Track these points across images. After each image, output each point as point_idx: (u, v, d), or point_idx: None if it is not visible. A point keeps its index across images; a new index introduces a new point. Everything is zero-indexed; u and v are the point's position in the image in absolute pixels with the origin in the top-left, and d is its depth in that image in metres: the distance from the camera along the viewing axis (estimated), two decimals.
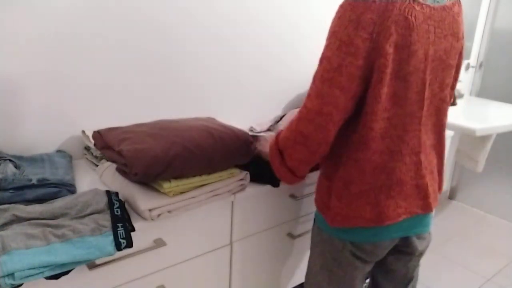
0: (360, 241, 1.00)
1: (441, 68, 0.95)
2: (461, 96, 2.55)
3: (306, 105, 0.91)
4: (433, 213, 1.10)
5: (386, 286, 1.18)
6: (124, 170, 0.99)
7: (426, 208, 1.01)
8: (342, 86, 0.86)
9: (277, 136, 1.04)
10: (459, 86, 2.54)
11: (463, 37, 0.99)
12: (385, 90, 0.87)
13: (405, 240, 1.06)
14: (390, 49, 0.84)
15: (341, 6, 0.87)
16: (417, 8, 0.85)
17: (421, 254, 1.12)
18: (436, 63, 0.93)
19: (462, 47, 1.00)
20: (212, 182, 1.06)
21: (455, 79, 1.06)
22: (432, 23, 0.89)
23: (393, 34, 0.83)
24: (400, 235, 1.02)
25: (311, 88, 0.91)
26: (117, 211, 0.90)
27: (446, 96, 0.99)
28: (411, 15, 0.84)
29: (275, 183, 1.19)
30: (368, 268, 1.08)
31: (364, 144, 0.92)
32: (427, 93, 0.93)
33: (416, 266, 1.15)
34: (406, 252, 1.09)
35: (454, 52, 0.96)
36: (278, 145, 1.02)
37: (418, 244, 1.08)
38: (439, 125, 1.02)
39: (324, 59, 0.88)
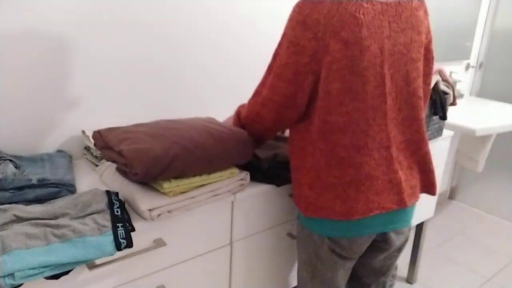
0: (336, 236, 1.02)
1: (403, 62, 0.95)
2: (461, 96, 2.55)
3: (261, 92, 1.04)
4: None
5: (363, 273, 1.20)
6: (124, 170, 0.99)
7: (401, 203, 1.01)
8: (289, 79, 0.95)
9: (238, 115, 1.17)
10: (459, 86, 2.55)
11: (428, 32, 1.01)
12: (335, 86, 0.91)
13: (383, 235, 1.07)
14: (336, 46, 0.88)
15: (293, 8, 0.93)
16: (366, 5, 0.88)
17: (399, 249, 1.13)
18: (397, 57, 0.94)
19: (429, 41, 1.02)
20: (212, 182, 1.06)
21: (427, 74, 1.06)
22: (386, 18, 0.91)
23: (340, 32, 0.87)
24: (377, 230, 1.03)
25: (265, 77, 1.04)
26: (117, 211, 0.90)
27: (416, 90, 0.99)
28: (359, 13, 0.87)
29: (278, 182, 1.19)
30: (349, 264, 1.10)
31: (323, 136, 0.95)
32: (388, 87, 0.94)
33: (394, 262, 1.17)
34: (383, 248, 1.10)
35: (416, 46, 0.97)
36: (241, 122, 1.16)
37: (396, 239, 1.09)
38: (415, 119, 1.02)
39: (277, 55, 0.99)
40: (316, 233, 1.05)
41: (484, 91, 2.80)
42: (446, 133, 1.78)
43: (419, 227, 1.99)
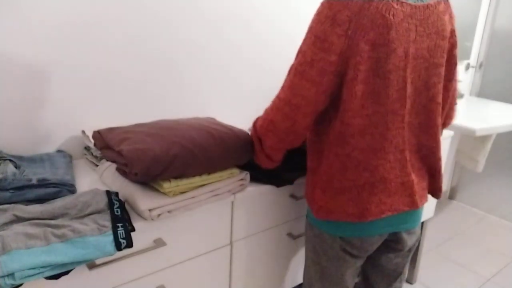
0: (348, 235, 1.02)
1: (425, 66, 0.94)
2: (461, 96, 2.55)
3: (279, 95, 0.96)
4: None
5: (375, 279, 1.19)
6: (124, 170, 0.99)
7: (412, 205, 1.02)
8: (313, 79, 0.89)
9: (254, 124, 1.08)
10: (459, 86, 2.54)
11: (453, 36, 0.99)
12: (360, 87, 0.88)
13: (394, 235, 1.07)
14: (365, 47, 0.85)
15: (321, 4, 0.89)
16: (396, 6, 0.86)
17: (410, 250, 1.14)
18: (419, 61, 0.93)
19: (453, 46, 0.99)
20: (212, 182, 1.06)
21: (449, 79, 1.03)
22: (413, 22, 0.89)
23: (369, 32, 0.85)
24: (389, 230, 1.04)
25: (285, 79, 0.96)
26: (117, 211, 0.90)
27: (436, 95, 0.98)
28: (389, 14, 0.85)
29: (278, 183, 1.19)
30: (359, 263, 1.10)
31: (343, 140, 0.93)
32: (409, 92, 0.93)
33: (406, 262, 1.17)
34: (396, 248, 1.10)
35: (440, 51, 0.96)
36: (257, 133, 1.06)
37: (408, 239, 1.09)
38: (432, 125, 1.01)
39: (299, 52, 0.92)
40: (327, 232, 1.05)
41: (484, 91, 2.80)
42: (446, 133, 1.78)
43: (419, 227, 1.99)
